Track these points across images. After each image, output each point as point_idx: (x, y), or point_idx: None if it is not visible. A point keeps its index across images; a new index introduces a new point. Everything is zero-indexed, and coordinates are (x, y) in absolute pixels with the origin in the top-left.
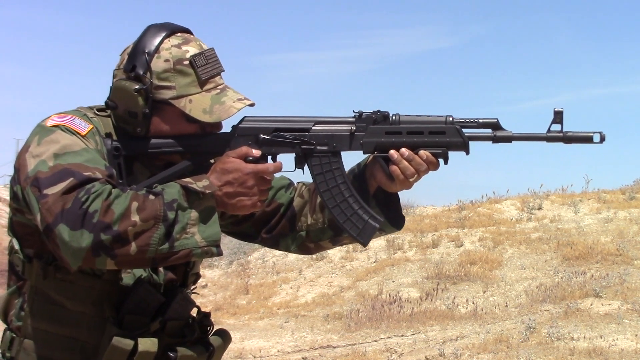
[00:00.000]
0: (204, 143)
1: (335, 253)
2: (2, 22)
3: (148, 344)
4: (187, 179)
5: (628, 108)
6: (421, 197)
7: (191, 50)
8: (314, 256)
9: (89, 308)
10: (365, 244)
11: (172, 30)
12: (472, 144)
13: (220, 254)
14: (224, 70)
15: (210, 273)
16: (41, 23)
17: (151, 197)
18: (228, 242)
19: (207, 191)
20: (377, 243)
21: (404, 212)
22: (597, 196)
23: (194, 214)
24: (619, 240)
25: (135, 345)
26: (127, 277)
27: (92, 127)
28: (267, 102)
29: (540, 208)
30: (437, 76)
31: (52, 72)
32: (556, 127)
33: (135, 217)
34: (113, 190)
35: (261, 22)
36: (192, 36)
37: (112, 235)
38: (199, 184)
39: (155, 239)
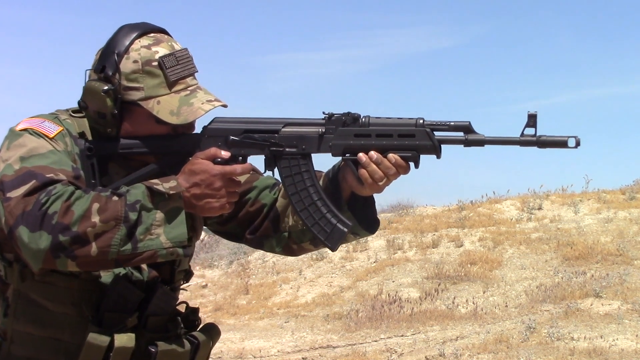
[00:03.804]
0: (175, 144)
1: (335, 253)
2: (2, 22)
3: (125, 340)
4: (155, 180)
5: (628, 108)
6: (421, 197)
7: (161, 51)
8: (314, 256)
9: (69, 308)
10: (333, 248)
11: (144, 30)
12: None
13: (186, 255)
14: (197, 71)
15: (210, 273)
16: (41, 23)
17: (114, 198)
18: (227, 242)
19: (172, 192)
20: (377, 243)
21: (404, 212)
22: (597, 196)
23: (159, 214)
24: (619, 240)
25: (112, 342)
26: (107, 276)
27: (62, 129)
28: (267, 102)
29: (540, 208)
30: (438, 76)
31: (52, 72)
32: (530, 130)
33: (96, 218)
34: (76, 191)
35: (261, 22)
36: (165, 36)
37: (71, 237)
38: (166, 184)
39: (116, 240)
